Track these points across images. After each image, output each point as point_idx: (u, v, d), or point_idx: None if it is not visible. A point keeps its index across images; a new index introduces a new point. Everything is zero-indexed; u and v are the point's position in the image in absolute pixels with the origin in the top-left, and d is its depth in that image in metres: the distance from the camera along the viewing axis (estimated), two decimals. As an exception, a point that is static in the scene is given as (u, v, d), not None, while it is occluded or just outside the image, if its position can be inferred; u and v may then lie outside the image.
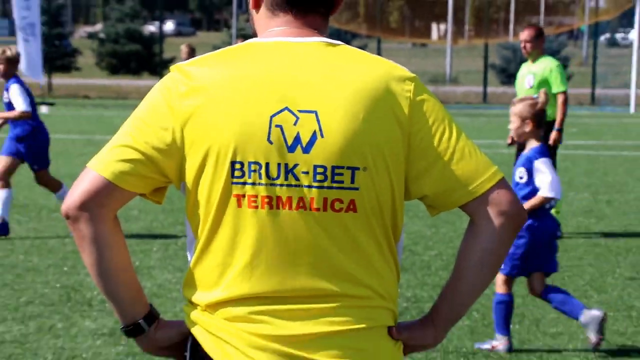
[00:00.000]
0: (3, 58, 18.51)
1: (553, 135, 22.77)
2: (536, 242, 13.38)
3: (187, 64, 4.44)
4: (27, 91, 19.32)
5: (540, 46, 22.40)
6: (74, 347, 13.04)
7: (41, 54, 61.69)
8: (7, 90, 18.40)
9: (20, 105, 18.35)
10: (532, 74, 24.50)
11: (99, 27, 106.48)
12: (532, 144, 15.79)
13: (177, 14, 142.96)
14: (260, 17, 4.54)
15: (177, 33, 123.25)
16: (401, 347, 4.50)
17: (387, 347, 4.44)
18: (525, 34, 23.84)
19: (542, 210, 14.74)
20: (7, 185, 19.07)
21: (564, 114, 21.92)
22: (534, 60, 22.51)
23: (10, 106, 18.76)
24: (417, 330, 4.61)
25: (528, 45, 22.65)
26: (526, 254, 14.16)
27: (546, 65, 22.42)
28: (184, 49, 42.08)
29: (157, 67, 65.25)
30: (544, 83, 22.22)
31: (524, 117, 16.64)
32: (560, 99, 22.90)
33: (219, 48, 4.86)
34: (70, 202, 4.26)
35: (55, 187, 19.30)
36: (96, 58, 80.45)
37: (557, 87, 23.05)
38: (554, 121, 23.57)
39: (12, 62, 18.82)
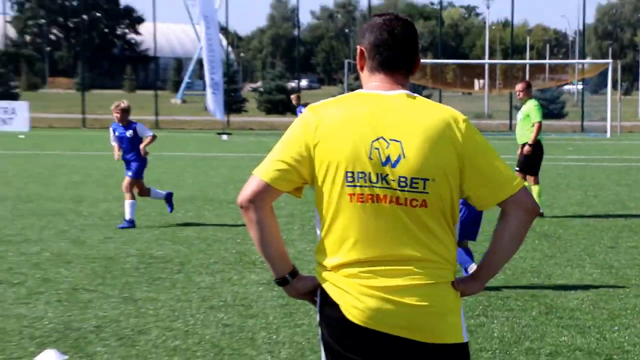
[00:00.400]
0: (119, 109, 18.82)
1: (526, 148, 24.55)
2: (470, 216, 14.42)
3: (316, 105, 4.88)
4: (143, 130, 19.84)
5: (528, 94, 24.02)
6: (245, 292, 13.17)
7: (223, 102, 61.57)
8: (129, 129, 19.21)
9: (148, 133, 19.29)
10: (521, 112, 25.99)
11: (259, 84, 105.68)
12: None
13: (309, 75, 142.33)
14: (364, 76, 4.95)
15: (309, 87, 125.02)
16: (459, 293, 4.85)
17: (450, 293, 4.75)
18: (519, 86, 25.55)
19: None
20: (133, 197, 19.40)
21: (536, 136, 23.80)
22: (524, 102, 24.46)
23: (133, 140, 19.33)
24: (469, 283, 5.01)
25: (521, 93, 24.75)
26: (462, 224, 14.45)
27: (529, 105, 23.93)
28: (294, 97, 42.61)
29: (298, 112, 65.86)
30: (527, 117, 23.99)
31: None
32: (535, 126, 24.38)
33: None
34: (242, 197, 4.84)
35: (145, 192, 19.87)
36: (257, 104, 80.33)
37: (534, 118, 24.05)
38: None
39: (126, 111, 19.28)
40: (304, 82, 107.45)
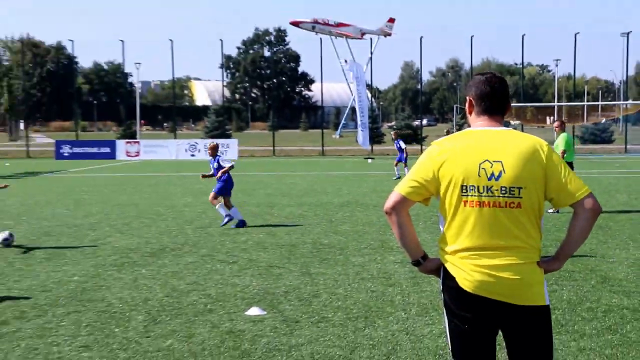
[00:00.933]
0: (209, 147, 18.91)
1: None
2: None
3: (439, 141, 4.97)
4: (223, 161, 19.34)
5: (562, 129, 23.64)
6: (385, 268, 12.98)
7: (368, 136, 61.32)
8: (216, 161, 19.04)
9: (226, 164, 18.94)
10: (555, 142, 24.87)
11: (393, 122, 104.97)
12: None
13: (428, 115, 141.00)
14: (472, 118, 5.00)
15: (428, 124, 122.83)
16: (542, 270, 4.79)
17: (535, 270, 4.73)
18: (555, 123, 26.03)
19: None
20: (223, 203, 19.01)
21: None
22: (558, 135, 23.83)
23: (218, 167, 19.06)
24: (551, 263, 4.90)
25: (557, 129, 24.31)
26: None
27: (560, 138, 23.15)
28: (393, 133, 41.99)
29: (421, 142, 64.39)
30: (557, 146, 23.29)
31: None
32: (559, 153, 23.20)
33: (449, 134, 5.30)
34: (386, 206, 4.92)
35: (229, 206, 19.11)
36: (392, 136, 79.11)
37: (559, 147, 23.20)
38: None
39: (214, 149, 19.16)
40: (424, 121, 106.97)
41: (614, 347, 8.48)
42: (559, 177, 4.77)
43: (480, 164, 4.75)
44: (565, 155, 26.08)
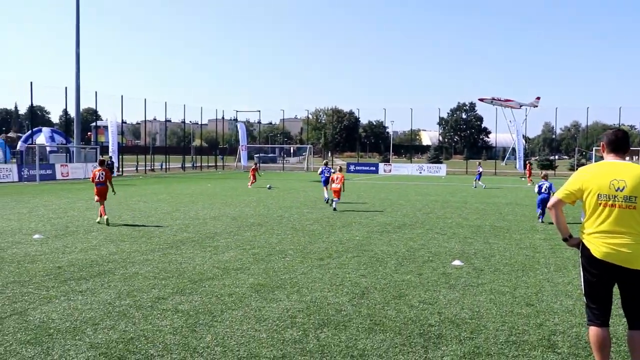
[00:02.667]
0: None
1: None
2: (546, 200, 11.94)
3: (584, 167, 4.77)
4: None
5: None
6: (533, 242, 12.29)
7: (522, 163, 58.84)
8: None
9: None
10: None
11: (537, 157, 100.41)
12: None
13: (559, 154, 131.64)
14: (606, 154, 4.69)
15: (559, 159, 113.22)
16: None
17: None
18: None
19: None
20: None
21: None
22: None
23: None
24: None
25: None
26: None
27: None
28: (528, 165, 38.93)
29: (554, 168, 60.38)
30: None
31: None
32: None
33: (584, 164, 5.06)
34: (549, 205, 4.82)
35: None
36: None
37: None
38: None
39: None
40: (557, 156, 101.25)
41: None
42: None
43: (611, 181, 4.53)
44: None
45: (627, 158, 4.91)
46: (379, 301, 7.28)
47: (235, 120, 77.47)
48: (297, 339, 5.77)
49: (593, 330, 4.64)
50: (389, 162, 68.36)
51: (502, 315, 6.73)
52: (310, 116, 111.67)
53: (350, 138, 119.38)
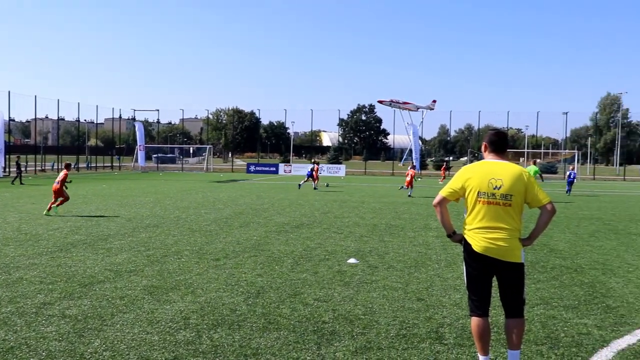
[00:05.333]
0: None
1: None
2: None
3: (466, 166, 4.93)
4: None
5: (534, 163, 21.77)
6: (429, 240, 12.68)
7: (419, 164, 60.70)
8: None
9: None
10: (527, 169, 23.48)
11: (433, 158, 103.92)
12: None
13: (452, 154, 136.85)
14: (487, 154, 4.89)
15: (452, 159, 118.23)
16: (521, 244, 4.70)
17: (517, 243, 4.66)
18: (531, 161, 24.33)
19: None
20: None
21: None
22: (530, 166, 21.67)
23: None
24: (526, 240, 4.73)
25: (532, 163, 23.13)
26: None
27: (531, 167, 21.09)
28: (443, 168, 40.67)
29: (448, 169, 62.73)
30: (534, 172, 21.16)
31: None
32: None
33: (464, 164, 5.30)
34: (434, 202, 4.94)
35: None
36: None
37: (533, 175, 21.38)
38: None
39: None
40: (452, 157, 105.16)
41: (555, 287, 8.32)
42: (533, 190, 4.70)
43: (489, 180, 4.72)
44: (532, 174, 26.18)
45: (528, 160, 5.14)
46: (274, 300, 7.29)
47: (133, 119, 75.14)
48: (190, 340, 5.68)
49: (474, 321, 4.86)
50: (289, 162, 68.62)
51: (393, 310, 6.91)
52: (210, 116, 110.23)
53: (251, 138, 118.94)
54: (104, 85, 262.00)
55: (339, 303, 7.18)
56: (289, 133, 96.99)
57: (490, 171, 4.78)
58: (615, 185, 46.97)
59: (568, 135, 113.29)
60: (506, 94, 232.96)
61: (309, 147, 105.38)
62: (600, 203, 25.24)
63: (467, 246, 4.86)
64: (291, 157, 77.64)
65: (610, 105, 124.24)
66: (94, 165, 64.94)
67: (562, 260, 10.48)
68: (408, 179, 28.34)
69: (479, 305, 4.86)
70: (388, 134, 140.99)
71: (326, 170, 59.28)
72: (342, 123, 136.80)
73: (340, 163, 73.86)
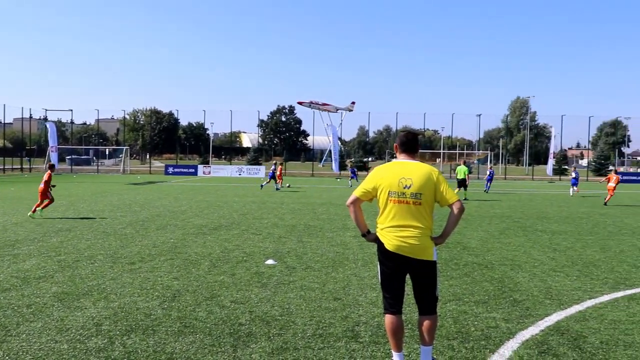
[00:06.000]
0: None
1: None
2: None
3: (380, 165, 5.00)
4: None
5: (464, 163, 23.30)
6: (346, 240, 12.75)
7: (338, 165, 61.28)
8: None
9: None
10: (461, 169, 25.82)
11: (352, 159, 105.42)
12: None
13: (371, 155, 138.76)
14: (398, 154, 4.97)
15: (372, 160, 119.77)
16: (433, 242, 4.80)
17: (429, 240, 4.76)
18: (461, 161, 26.29)
19: None
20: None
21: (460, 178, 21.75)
22: (459, 165, 23.48)
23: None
24: (437, 238, 4.82)
25: (462, 162, 24.34)
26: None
27: (461, 167, 22.95)
28: (348, 162, 41.26)
29: (367, 169, 63.62)
30: (459, 171, 23.55)
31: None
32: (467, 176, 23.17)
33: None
34: (347, 202, 4.94)
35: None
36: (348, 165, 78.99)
37: (461, 174, 24.77)
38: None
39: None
40: (371, 158, 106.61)
41: (467, 284, 8.57)
42: (442, 190, 4.79)
43: (399, 179, 4.79)
44: (460, 176, 27.40)
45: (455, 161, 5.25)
46: (190, 303, 7.17)
47: (45, 119, 72.20)
48: (102, 347, 5.50)
49: (388, 318, 4.94)
50: (208, 164, 67.79)
51: (310, 310, 6.93)
52: (127, 117, 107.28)
53: (170, 139, 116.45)
54: (12, 83, 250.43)
55: (256, 304, 7.15)
56: (208, 134, 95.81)
57: (400, 171, 4.86)
58: (525, 185, 48.97)
59: (482, 136, 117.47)
60: (423, 96, 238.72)
61: (229, 149, 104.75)
62: (511, 202, 26.23)
63: (380, 245, 4.92)
64: (210, 159, 76.74)
65: (520, 108, 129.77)
66: (2, 167, 61.90)
67: (474, 257, 10.82)
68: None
69: (392, 303, 4.94)
70: (308, 135, 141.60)
71: (246, 171, 59.04)
72: (262, 124, 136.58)
73: (260, 164, 73.63)
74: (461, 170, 27.42)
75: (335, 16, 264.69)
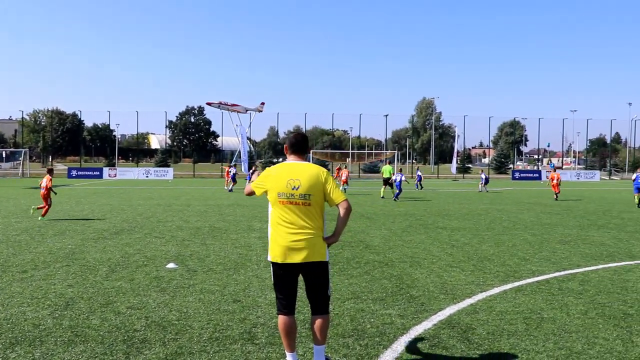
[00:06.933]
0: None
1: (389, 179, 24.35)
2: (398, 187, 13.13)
3: (272, 166, 4.99)
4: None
5: (389, 162, 24.23)
6: (251, 242, 12.71)
7: (247, 166, 61.01)
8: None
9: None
10: (385, 168, 26.69)
11: (262, 160, 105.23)
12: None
13: (281, 156, 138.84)
14: (288, 155, 4.99)
15: (280, 161, 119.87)
16: (325, 242, 4.83)
17: (320, 241, 4.78)
18: (387, 160, 28.39)
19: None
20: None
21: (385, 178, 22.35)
22: (384, 164, 24.03)
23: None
24: (330, 238, 4.84)
25: (386, 161, 25.01)
26: (398, 187, 14.76)
27: (386, 166, 22.95)
28: (254, 166, 41.42)
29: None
30: (385, 170, 22.70)
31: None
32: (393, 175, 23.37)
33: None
34: (245, 192, 5.06)
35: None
36: (261, 168, 78.85)
37: (386, 171, 24.69)
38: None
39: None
40: (281, 159, 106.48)
41: (366, 281, 8.70)
42: (328, 190, 4.82)
43: (287, 180, 4.80)
44: (385, 175, 28.77)
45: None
46: (84, 311, 6.91)
47: None
48: (-18, 362, 5.23)
49: (281, 319, 4.95)
50: (114, 166, 65.85)
51: (208, 313, 6.85)
52: (27, 117, 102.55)
53: (74, 141, 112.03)
54: None
55: (153, 310, 6.99)
56: (114, 135, 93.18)
57: (289, 172, 4.88)
58: (430, 183, 50.45)
59: (390, 136, 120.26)
60: (332, 97, 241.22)
61: (137, 150, 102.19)
62: (415, 200, 26.99)
63: (271, 247, 4.92)
64: (117, 161, 74.64)
65: (426, 109, 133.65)
66: None
67: (375, 255, 11.04)
68: (344, 177, 31.89)
69: (285, 303, 4.96)
70: (218, 136, 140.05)
71: (153, 173, 57.77)
72: (170, 125, 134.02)
73: (169, 166, 72.25)
74: (386, 170, 28.86)
75: (244, 16, 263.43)
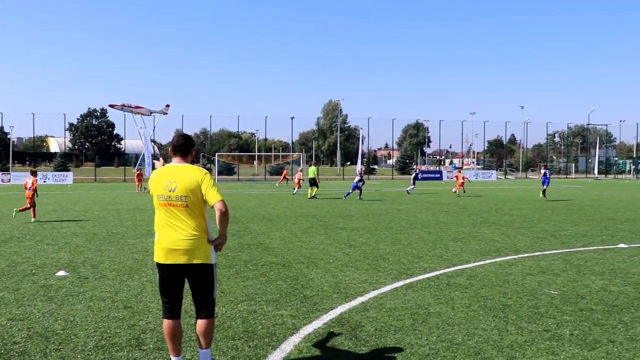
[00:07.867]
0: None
1: (313, 180, 23.06)
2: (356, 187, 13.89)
3: (157, 169, 4.98)
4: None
5: (314, 164, 24.00)
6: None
7: (151, 170, 59.65)
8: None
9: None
10: (310, 169, 25.80)
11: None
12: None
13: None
14: (172, 158, 4.91)
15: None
16: (211, 246, 4.82)
17: (204, 243, 4.75)
18: (311, 162, 27.20)
19: None
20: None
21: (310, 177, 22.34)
22: (309, 167, 24.38)
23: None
24: (215, 240, 4.82)
25: (313, 165, 25.48)
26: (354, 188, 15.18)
27: (311, 168, 23.06)
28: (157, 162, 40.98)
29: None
30: (311, 171, 22.99)
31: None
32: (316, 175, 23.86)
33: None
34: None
35: None
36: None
37: (312, 174, 23.45)
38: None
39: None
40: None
41: (262, 283, 8.72)
42: (206, 189, 4.73)
43: (165, 183, 4.76)
44: (310, 175, 29.58)
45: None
46: (-41, 325, 6.57)
47: None
48: None
49: (166, 323, 4.90)
50: (8, 171, 62.69)
51: (97, 321, 6.65)
52: None
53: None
54: None
55: (37, 320, 6.70)
56: (9, 138, 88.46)
57: (167, 175, 4.84)
58: (336, 184, 51.10)
59: (297, 138, 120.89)
60: (237, 99, 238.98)
61: (34, 154, 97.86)
62: (319, 201, 27.26)
63: (156, 251, 4.88)
64: (11, 165, 71.09)
65: (332, 111, 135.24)
66: None
67: (273, 257, 11.07)
68: (296, 180, 33.50)
69: (169, 307, 4.90)
70: (122, 139, 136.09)
71: (51, 178, 55.41)
72: (71, 128, 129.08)
73: (69, 170, 69.50)
74: (311, 171, 30.45)
75: (154, 16, 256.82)
